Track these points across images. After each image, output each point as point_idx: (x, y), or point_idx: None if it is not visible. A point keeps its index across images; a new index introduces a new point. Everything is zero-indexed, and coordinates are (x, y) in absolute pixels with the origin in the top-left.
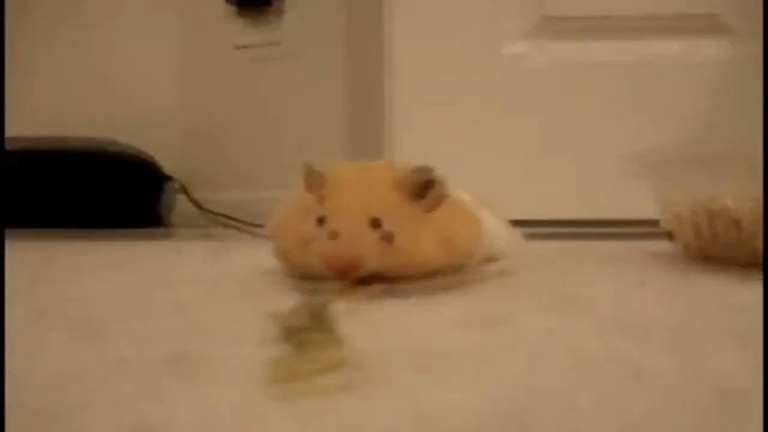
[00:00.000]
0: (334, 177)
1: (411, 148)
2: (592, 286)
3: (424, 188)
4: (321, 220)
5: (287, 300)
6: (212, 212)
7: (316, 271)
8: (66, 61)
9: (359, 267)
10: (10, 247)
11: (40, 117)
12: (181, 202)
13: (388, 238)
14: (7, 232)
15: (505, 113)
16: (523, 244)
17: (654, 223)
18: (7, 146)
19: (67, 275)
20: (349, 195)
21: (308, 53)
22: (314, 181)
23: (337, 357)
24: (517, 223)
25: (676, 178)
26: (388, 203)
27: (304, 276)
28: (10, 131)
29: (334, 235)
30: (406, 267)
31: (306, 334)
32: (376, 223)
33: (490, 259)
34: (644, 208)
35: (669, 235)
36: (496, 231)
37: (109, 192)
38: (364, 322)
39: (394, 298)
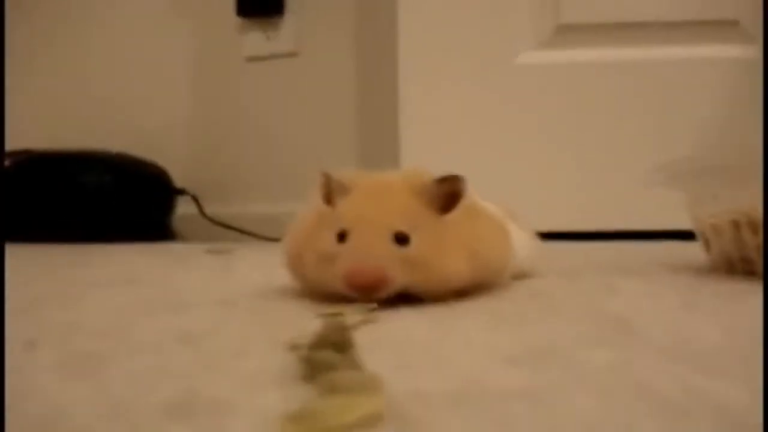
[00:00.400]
0: (355, 187)
1: (423, 158)
2: (637, 307)
3: (451, 200)
4: (342, 235)
5: (305, 325)
6: (223, 225)
7: (336, 290)
8: (76, 75)
9: (385, 285)
10: (8, 262)
11: (52, 131)
12: (192, 215)
13: (414, 253)
14: (12, 245)
15: (519, 122)
16: (547, 256)
17: (675, 234)
18: (17, 159)
19: (67, 295)
20: (371, 207)
21: (320, 63)
22: (333, 191)
23: (375, 405)
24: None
25: (705, 188)
26: (413, 215)
27: (322, 295)
28: (21, 144)
29: (356, 252)
30: (434, 283)
31: (334, 372)
32: (401, 238)
33: (517, 275)
34: (668, 219)
35: (705, 247)
36: (523, 244)
37: (120, 205)
38: (396, 355)
39: (423, 323)
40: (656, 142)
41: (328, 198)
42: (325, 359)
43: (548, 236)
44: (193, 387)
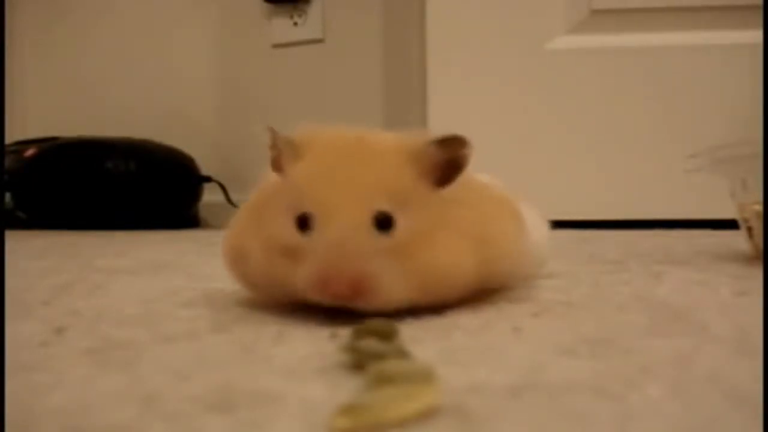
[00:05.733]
0: (309, 147)
1: None
2: (688, 296)
3: (450, 169)
4: (303, 220)
5: (343, 313)
6: None
7: (298, 295)
8: (102, 63)
9: (370, 293)
10: (35, 249)
11: (78, 118)
12: (218, 203)
13: (399, 242)
14: (38, 233)
15: (550, 107)
16: (589, 245)
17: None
18: (44, 147)
19: (96, 283)
20: (342, 178)
21: (347, 50)
22: (286, 156)
23: (432, 396)
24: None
25: (748, 174)
26: (400, 188)
27: (279, 303)
28: (48, 132)
29: (329, 248)
30: (426, 284)
31: (383, 362)
32: (382, 221)
33: (535, 266)
34: (706, 208)
35: (749, 234)
36: (540, 231)
37: (146, 192)
38: (441, 345)
39: (462, 310)
40: (690, 129)
41: (277, 164)
42: (372, 348)
43: (584, 225)
44: (231, 377)
